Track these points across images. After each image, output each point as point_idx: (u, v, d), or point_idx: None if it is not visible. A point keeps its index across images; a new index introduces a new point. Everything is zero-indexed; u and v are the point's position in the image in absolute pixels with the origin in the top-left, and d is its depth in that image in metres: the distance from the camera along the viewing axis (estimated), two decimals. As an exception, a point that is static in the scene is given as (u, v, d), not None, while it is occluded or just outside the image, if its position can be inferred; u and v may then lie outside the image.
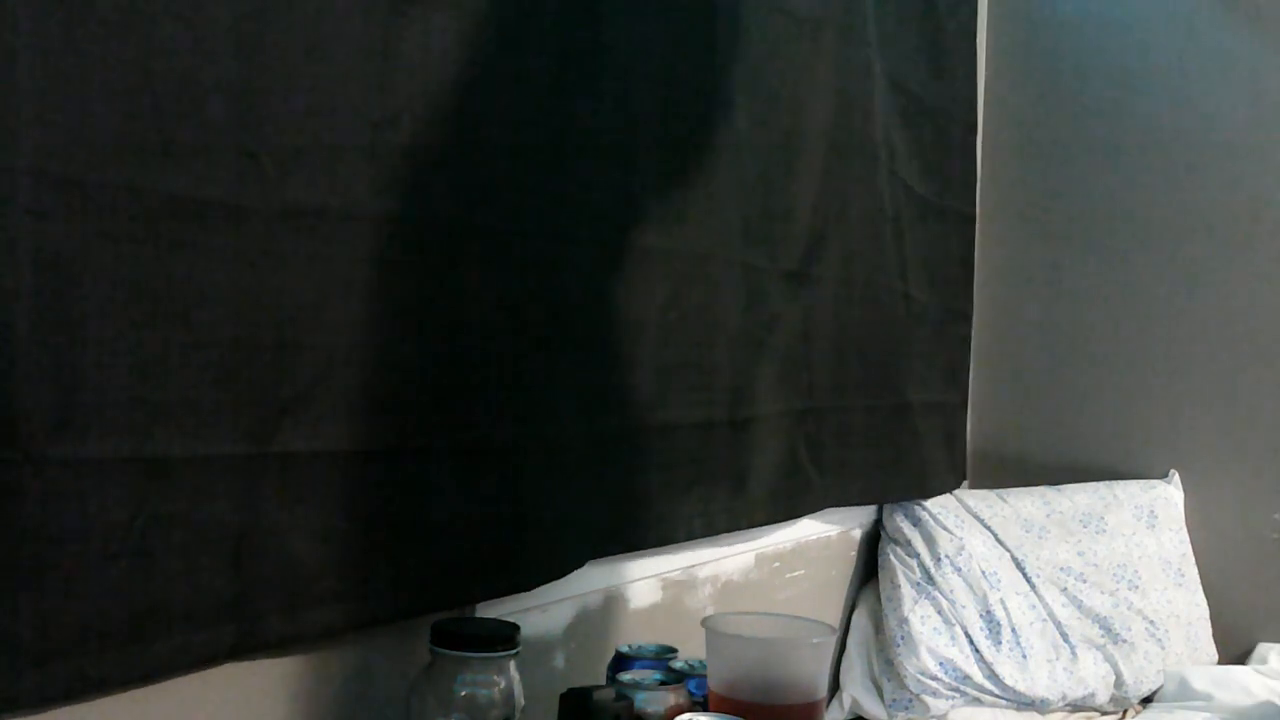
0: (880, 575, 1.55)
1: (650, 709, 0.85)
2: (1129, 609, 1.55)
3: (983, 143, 1.86)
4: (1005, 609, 1.49)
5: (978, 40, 1.86)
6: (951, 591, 1.48)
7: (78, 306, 0.65)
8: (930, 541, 1.52)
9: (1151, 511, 1.65)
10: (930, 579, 1.49)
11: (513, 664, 0.83)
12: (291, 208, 0.76)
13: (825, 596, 1.52)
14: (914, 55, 1.60)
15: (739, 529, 1.24)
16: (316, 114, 0.77)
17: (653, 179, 1.07)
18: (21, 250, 0.63)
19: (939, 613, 1.47)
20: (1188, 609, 1.60)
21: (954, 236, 1.75)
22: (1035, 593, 1.53)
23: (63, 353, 0.65)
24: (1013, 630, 1.47)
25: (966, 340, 1.80)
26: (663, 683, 0.88)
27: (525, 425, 0.93)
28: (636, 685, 0.87)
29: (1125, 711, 1.55)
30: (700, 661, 0.91)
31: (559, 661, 1.06)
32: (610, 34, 1.01)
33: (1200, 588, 1.63)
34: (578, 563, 1.01)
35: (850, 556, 1.58)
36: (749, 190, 1.21)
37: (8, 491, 0.63)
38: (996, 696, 1.46)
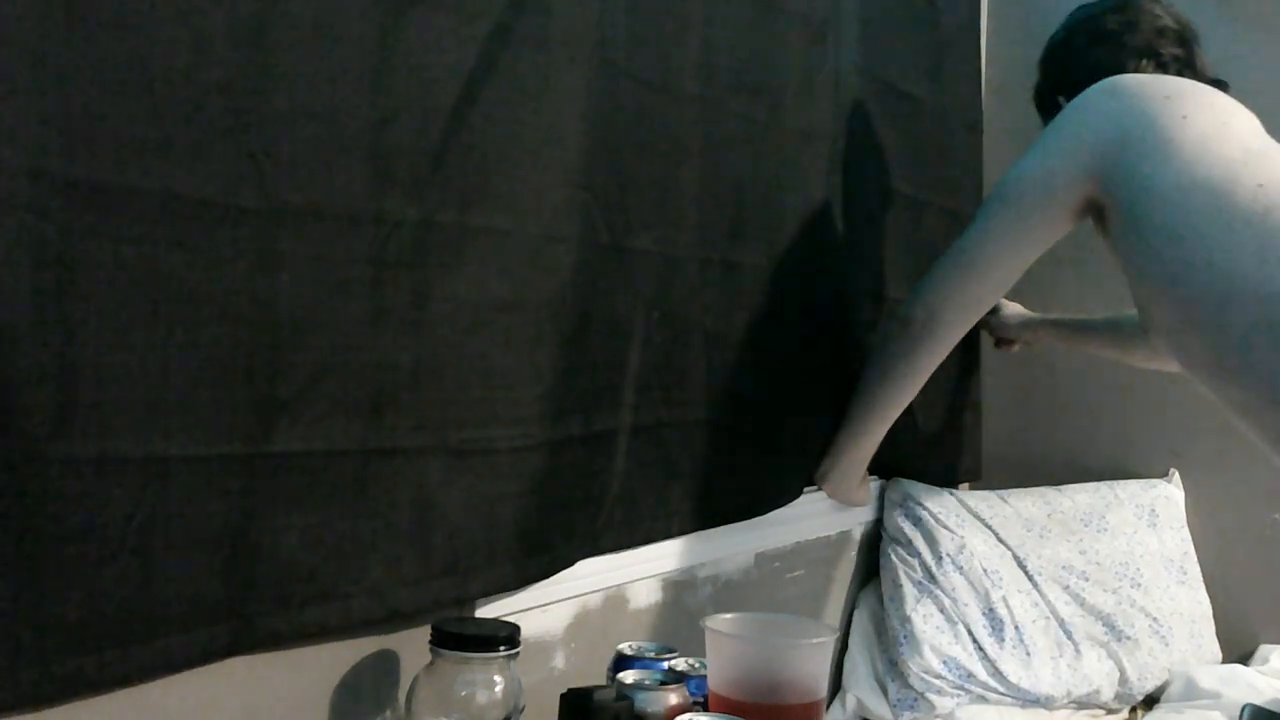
0: (882, 575, 1.55)
1: (650, 709, 0.85)
2: (1132, 606, 1.55)
3: (984, 143, 1.86)
4: (1008, 607, 1.49)
5: (979, 40, 1.86)
6: (954, 590, 1.48)
7: (77, 306, 0.66)
8: (931, 541, 1.52)
9: (1153, 510, 1.65)
10: (932, 578, 1.49)
11: (513, 664, 0.83)
12: (289, 207, 0.76)
13: (825, 596, 1.52)
14: (913, 56, 1.60)
15: (719, 525, 1.24)
16: (315, 114, 0.77)
17: (639, 179, 1.07)
18: (21, 250, 0.63)
19: (941, 611, 1.46)
20: (1191, 606, 1.60)
21: (955, 238, 1.75)
22: (1038, 591, 1.53)
23: (62, 352, 0.65)
24: (1016, 628, 1.47)
25: (970, 341, 1.80)
26: (663, 683, 0.88)
27: (520, 426, 0.93)
28: (636, 685, 0.87)
29: (1135, 709, 1.55)
30: (700, 661, 0.92)
31: (559, 661, 1.06)
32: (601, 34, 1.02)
33: (1203, 585, 1.63)
34: (568, 562, 1.02)
35: (850, 556, 1.58)
36: (735, 190, 1.21)
37: (7, 491, 0.63)
38: (1001, 694, 1.46)
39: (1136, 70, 1.26)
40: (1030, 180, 1.22)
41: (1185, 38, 1.29)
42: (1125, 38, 1.28)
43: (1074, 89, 1.29)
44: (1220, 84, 1.28)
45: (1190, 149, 1.07)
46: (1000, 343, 1.74)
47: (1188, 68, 1.28)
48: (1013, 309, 1.68)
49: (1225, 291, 1.03)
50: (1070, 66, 1.34)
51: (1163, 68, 1.27)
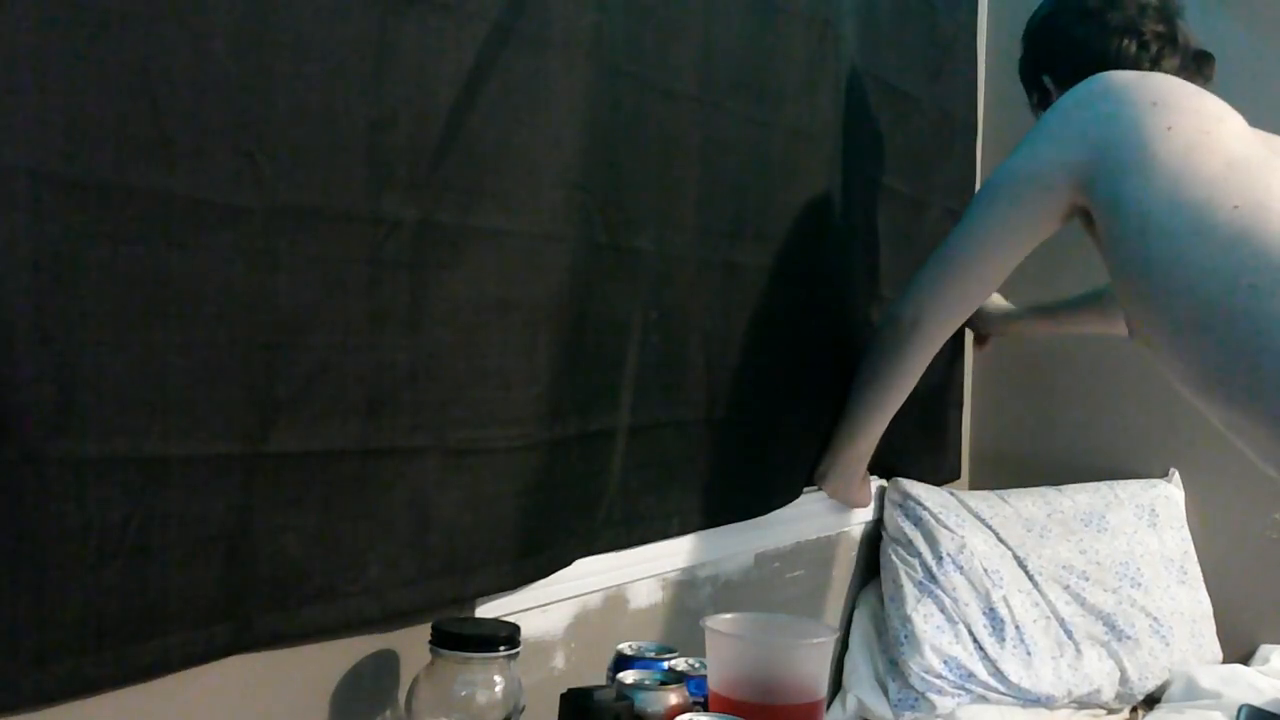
0: (882, 575, 1.55)
1: (650, 709, 0.85)
2: (1132, 606, 1.55)
3: (982, 143, 1.86)
4: (1008, 606, 1.49)
5: (977, 40, 1.86)
6: (954, 590, 1.48)
7: (77, 306, 0.66)
8: (931, 540, 1.52)
9: (1153, 510, 1.65)
10: (933, 578, 1.49)
11: (513, 664, 0.83)
12: (288, 207, 0.76)
13: (825, 596, 1.52)
14: (911, 56, 1.60)
15: (719, 525, 1.24)
16: (313, 114, 0.77)
17: (637, 179, 1.07)
18: (21, 250, 0.63)
19: (942, 611, 1.46)
20: (1191, 606, 1.60)
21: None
22: (1038, 590, 1.53)
23: (61, 352, 0.65)
24: (1016, 628, 1.47)
25: (957, 342, 1.80)
26: (663, 683, 0.88)
27: (517, 426, 0.93)
28: (637, 685, 0.87)
29: (1135, 709, 1.55)
30: (700, 661, 0.91)
31: (559, 661, 1.06)
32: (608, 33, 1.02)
33: (1203, 585, 1.63)
34: (566, 561, 1.02)
35: (850, 557, 1.58)
36: (737, 189, 1.21)
37: (7, 491, 0.63)
38: (1002, 694, 1.46)
39: (1120, 50, 1.26)
40: (1015, 181, 1.21)
41: (1168, 13, 1.29)
42: (1108, 15, 1.28)
43: (1057, 66, 1.30)
44: (1206, 57, 1.28)
45: (1174, 165, 1.07)
46: (980, 340, 1.74)
47: (1170, 44, 1.27)
48: (992, 301, 1.66)
49: (1204, 315, 1.03)
50: (1053, 43, 1.34)
51: (1145, 46, 1.26)
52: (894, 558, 1.53)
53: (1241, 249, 1.01)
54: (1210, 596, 1.63)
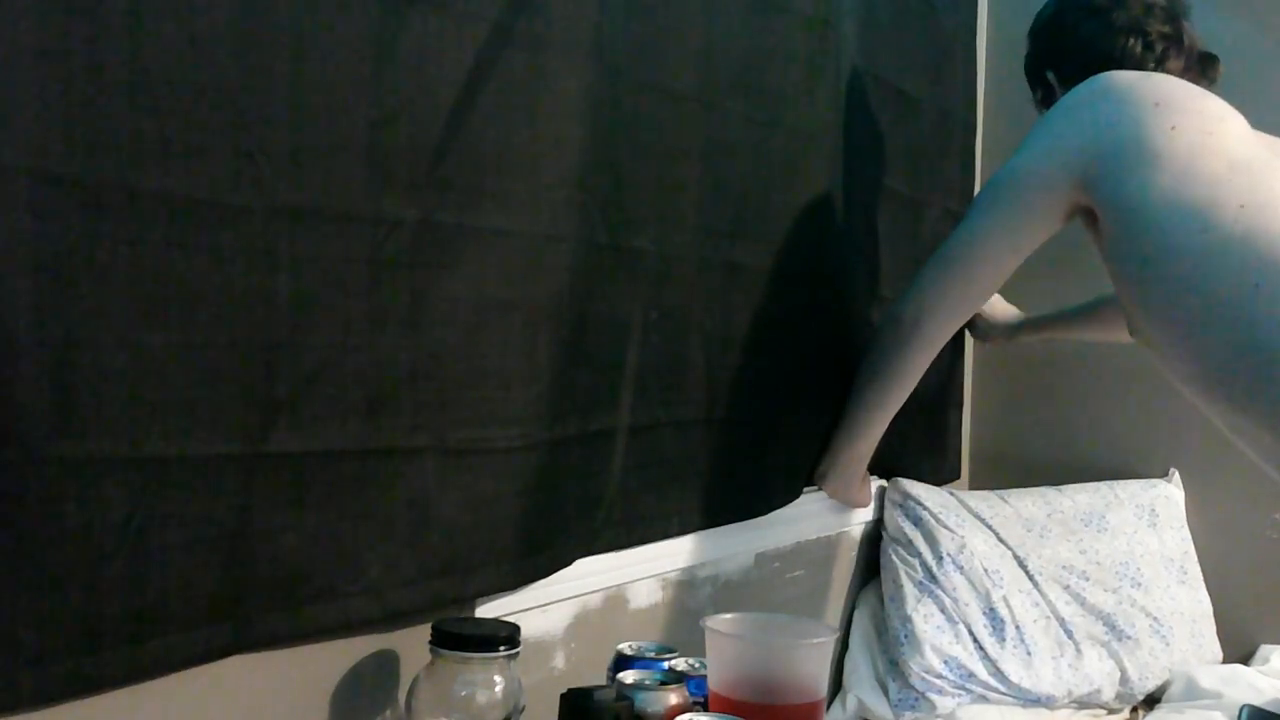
0: (883, 575, 1.55)
1: (650, 709, 0.85)
2: (1132, 606, 1.55)
3: (982, 143, 1.86)
4: (1009, 606, 1.49)
5: (977, 40, 1.86)
6: (954, 590, 1.48)
7: (77, 306, 0.66)
8: (932, 541, 1.52)
9: (1153, 510, 1.65)
10: (933, 578, 1.49)
11: (513, 664, 0.83)
12: (287, 207, 0.76)
13: (825, 596, 1.52)
14: (911, 56, 1.60)
15: (719, 525, 1.24)
16: (313, 114, 0.77)
17: (637, 179, 1.07)
18: (21, 250, 0.63)
19: (942, 611, 1.46)
20: (1191, 606, 1.60)
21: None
22: (1038, 590, 1.53)
23: (61, 352, 0.65)
24: (1016, 628, 1.47)
25: (957, 342, 1.80)
26: (663, 683, 0.88)
27: (517, 426, 0.93)
28: (637, 685, 0.87)
29: (1136, 709, 1.55)
30: (700, 661, 0.91)
31: (559, 661, 1.06)
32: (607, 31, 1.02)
33: (1203, 585, 1.63)
34: (566, 562, 1.02)
35: (850, 557, 1.58)
36: (738, 189, 1.21)
37: (7, 491, 0.63)
38: (1002, 694, 1.46)
39: (1125, 49, 1.27)
40: (1018, 181, 1.21)
41: (1174, 13, 1.29)
42: (1114, 14, 1.29)
43: (1062, 64, 1.31)
44: (1211, 58, 1.29)
45: (1177, 164, 1.07)
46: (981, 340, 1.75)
47: (1176, 44, 1.28)
48: (1000, 310, 1.67)
49: (1206, 314, 1.03)
50: (1059, 41, 1.34)
51: (1150, 46, 1.27)
52: (894, 558, 1.53)
53: (1246, 249, 1.01)
54: (1210, 596, 1.63)
